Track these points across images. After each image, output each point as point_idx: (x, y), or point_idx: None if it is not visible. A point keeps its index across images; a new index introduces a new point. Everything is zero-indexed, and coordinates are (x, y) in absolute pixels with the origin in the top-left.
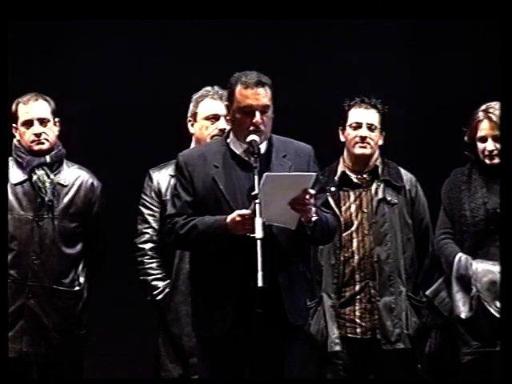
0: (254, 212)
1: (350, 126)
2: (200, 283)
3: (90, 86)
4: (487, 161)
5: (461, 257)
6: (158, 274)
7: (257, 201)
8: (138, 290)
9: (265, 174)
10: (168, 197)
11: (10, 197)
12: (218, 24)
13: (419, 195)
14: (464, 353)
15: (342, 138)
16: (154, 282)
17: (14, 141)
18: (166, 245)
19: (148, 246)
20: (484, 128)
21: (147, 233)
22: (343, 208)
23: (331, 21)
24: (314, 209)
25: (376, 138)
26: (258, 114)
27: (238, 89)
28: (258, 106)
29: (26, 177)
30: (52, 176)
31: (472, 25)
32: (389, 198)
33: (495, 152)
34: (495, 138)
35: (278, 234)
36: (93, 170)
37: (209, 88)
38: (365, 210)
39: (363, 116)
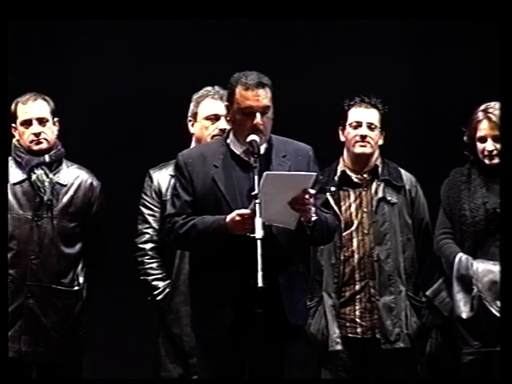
0: (253, 212)
1: (350, 125)
2: (200, 283)
3: (90, 86)
4: (487, 161)
5: (461, 257)
6: (158, 274)
7: (257, 201)
8: (138, 290)
9: (265, 173)
10: (168, 197)
11: (10, 196)
12: (218, 24)
13: (419, 195)
14: (465, 353)
15: (342, 138)
16: (154, 282)
17: (14, 140)
18: (166, 245)
19: (148, 246)
20: (483, 128)
21: (147, 233)
22: (343, 207)
23: (331, 21)
24: (313, 209)
25: (376, 137)
26: (258, 115)
27: (239, 90)
28: (259, 107)
29: (25, 176)
30: (51, 175)
31: (472, 25)
32: (389, 198)
33: (495, 152)
34: (495, 138)
35: (277, 234)
36: (93, 170)
37: (209, 88)
38: (365, 210)
39: (363, 115)
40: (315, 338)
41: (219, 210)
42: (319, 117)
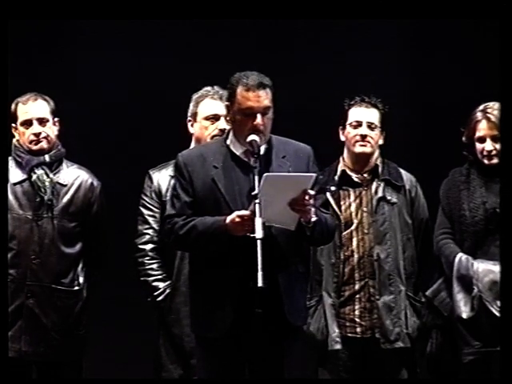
0: (253, 212)
1: (351, 124)
2: (200, 284)
3: (90, 86)
4: (486, 161)
5: (461, 257)
6: (158, 275)
7: (257, 201)
8: (138, 291)
9: (265, 175)
10: (168, 197)
11: (10, 196)
12: (218, 24)
13: (419, 195)
14: (465, 353)
15: (342, 138)
16: (154, 283)
17: (14, 140)
18: (166, 245)
19: (148, 246)
20: (482, 128)
21: (148, 233)
22: (343, 207)
23: (331, 21)
24: (313, 209)
25: (376, 136)
26: (259, 116)
27: (239, 90)
28: (259, 108)
29: (25, 176)
30: (51, 175)
31: (472, 25)
32: (388, 197)
33: (494, 152)
34: (494, 138)
35: (277, 235)
36: (93, 170)
37: (209, 88)
38: (365, 209)
39: (363, 115)
40: (315, 337)
41: (219, 210)
42: (319, 117)
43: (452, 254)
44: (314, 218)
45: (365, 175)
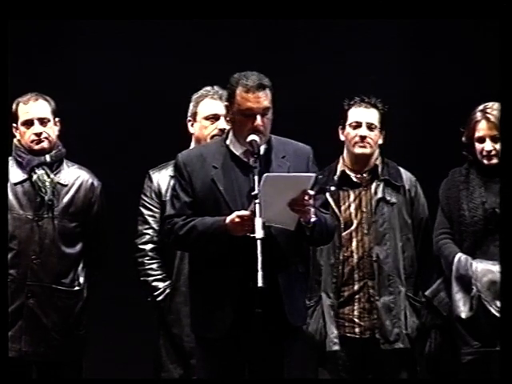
0: (253, 212)
1: (350, 125)
2: (199, 284)
3: (90, 86)
4: (485, 161)
5: (460, 257)
6: (158, 275)
7: (257, 201)
8: (138, 291)
9: (264, 175)
10: (168, 197)
11: (10, 196)
12: (218, 24)
13: (419, 195)
14: (464, 353)
15: (342, 137)
16: (154, 283)
17: (14, 140)
18: (166, 245)
19: (148, 246)
20: (482, 128)
21: (147, 234)
22: (343, 207)
23: (331, 21)
24: (312, 210)
25: (376, 137)
26: (258, 117)
27: (239, 91)
28: (259, 109)
29: (25, 176)
30: (52, 176)
31: (472, 25)
32: (388, 198)
33: (493, 152)
34: (493, 139)
35: (277, 235)
36: (93, 170)
37: (208, 88)
38: (364, 210)
39: (363, 115)
40: (313, 337)
41: (219, 210)
42: (319, 117)
43: (451, 253)
44: (313, 218)
45: (364, 175)
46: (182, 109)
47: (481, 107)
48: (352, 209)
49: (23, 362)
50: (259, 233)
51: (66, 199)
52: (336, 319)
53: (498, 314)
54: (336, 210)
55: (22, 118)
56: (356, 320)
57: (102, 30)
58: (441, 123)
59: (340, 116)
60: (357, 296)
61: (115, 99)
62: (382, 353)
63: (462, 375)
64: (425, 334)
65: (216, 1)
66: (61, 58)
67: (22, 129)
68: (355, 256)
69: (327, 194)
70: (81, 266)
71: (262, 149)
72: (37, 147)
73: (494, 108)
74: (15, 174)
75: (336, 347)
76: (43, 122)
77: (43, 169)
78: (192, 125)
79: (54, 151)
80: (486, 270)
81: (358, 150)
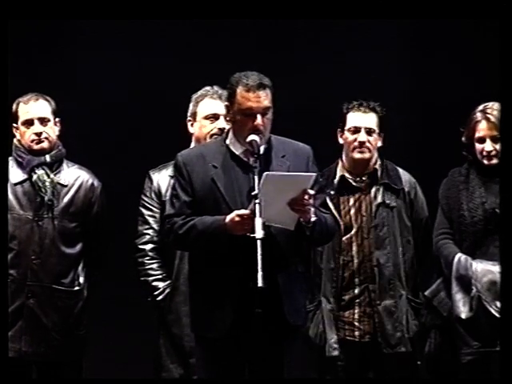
0: (252, 212)
1: (349, 130)
2: (199, 283)
3: (90, 86)
4: (485, 161)
5: (460, 257)
6: (158, 275)
7: (257, 201)
8: (139, 291)
9: (265, 174)
10: (168, 197)
11: (10, 196)
12: (218, 24)
13: (418, 196)
14: (464, 353)
15: (341, 141)
16: (154, 283)
17: (14, 140)
18: (166, 245)
19: (148, 246)
20: (482, 129)
21: (148, 234)
22: (342, 212)
23: (331, 21)
24: (312, 209)
25: (375, 141)
26: (259, 116)
27: (239, 91)
28: (259, 108)
29: (25, 176)
30: (52, 176)
31: (472, 25)
32: (388, 202)
33: (493, 152)
34: (493, 139)
35: (277, 235)
36: (93, 170)
37: (208, 88)
38: (364, 214)
39: (362, 120)
40: (313, 342)
41: (218, 210)
42: (319, 117)
43: (451, 254)
44: (313, 218)
45: (364, 178)
46: (182, 109)
47: (481, 107)
48: (352, 213)
49: (23, 362)
50: (259, 233)
51: (66, 199)
52: (336, 322)
53: (497, 315)
54: (336, 215)
55: (23, 117)
56: (356, 323)
57: (102, 29)
58: (441, 123)
59: (339, 119)
60: (357, 300)
61: (115, 99)
62: (382, 356)
63: (462, 375)
64: (425, 335)
65: (216, 1)
66: (61, 58)
67: (22, 128)
68: (355, 260)
69: (327, 199)
70: (81, 266)
71: (262, 148)
72: (37, 147)
73: (494, 108)
74: (15, 174)
75: (335, 353)
76: (43, 121)
77: (43, 169)
78: (192, 124)
79: (54, 151)
80: (486, 270)
81: (357, 156)
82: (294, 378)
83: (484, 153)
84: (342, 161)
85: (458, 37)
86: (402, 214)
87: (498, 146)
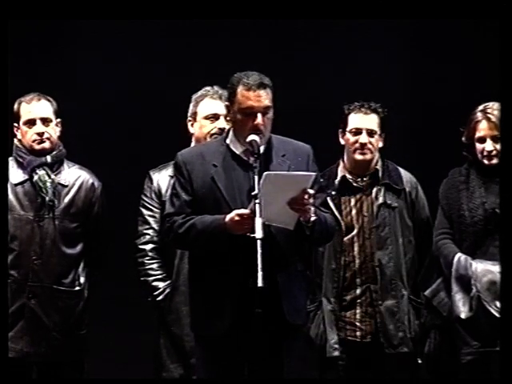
0: (252, 212)
1: (350, 131)
2: (199, 283)
3: (90, 86)
4: (486, 161)
5: (460, 257)
6: (158, 275)
7: (256, 201)
8: (139, 291)
9: (265, 173)
10: (168, 197)
11: (11, 197)
12: (218, 24)
13: (419, 196)
14: (464, 353)
15: (342, 141)
16: (154, 283)
17: (15, 141)
18: (166, 245)
19: (148, 246)
20: (482, 128)
21: (148, 234)
22: (344, 212)
23: (331, 21)
24: (312, 209)
25: (376, 142)
26: (259, 115)
27: (240, 90)
28: (260, 107)
29: (26, 177)
30: (53, 176)
31: (472, 25)
32: (389, 202)
33: (494, 152)
34: (494, 139)
35: (276, 234)
36: (93, 170)
37: (208, 88)
38: (365, 214)
39: (363, 122)
40: (314, 342)
41: (218, 209)
42: (319, 117)
43: (451, 254)
44: (313, 218)
45: (365, 179)
46: (182, 109)
47: (481, 107)
48: (353, 213)
49: (24, 363)
50: (259, 233)
51: (66, 200)
52: (337, 322)
53: (497, 315)
54: (337, 215)
55: (25, 117)
56: (357, 324)
57: (101, 29)
58: (441, 123)
59: (340, 120)
60: (359, 300)
61: (115, 99)
62: (384, 356)
63: (462, 375)
64: (424, 334)
65: (216, 1)
66: (61, 58)
67: (24, 128)
68: (357, 261)
69: (328, 199)
70: (81, 266)
71: (262, 148)
72: (38, 147)
73: (494, 108)
74: (16, 175)
75: (336, 353)
76: (45, 121)
77: (44, 169)
78: (192, 125)
79: (54, 152)
80: (486, 270)
81: (358, 157)
82: (294, 378)
83: (484, 153)
84: (343, 161)
85: (458, 37)
86: (403, 214)
87: (498, 146)
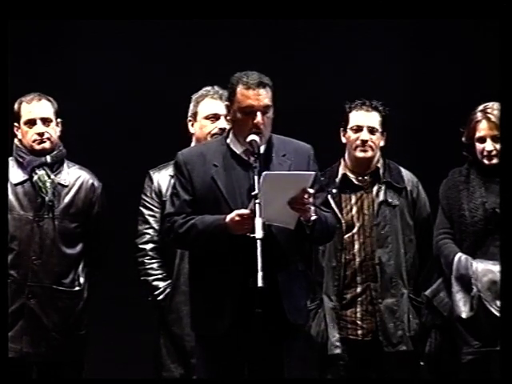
0: (253, 212)
1: (351, 128)
2: (199, 283)
3: (90, 86)
4: (486, 161)
5: (460, 257)
6: (158, 275)
7: (257, 201)
8: (139, 291)
9: (264, 173)
10: (168, 196)
11: (11, 197)
12: (218, 24)
13: (421, 196)
14: (465, 352)
15: (344, 140)
16: (154, 283)
17: (15, 141)
18: (166, 245)
19: (149, 246)
20: (483, 128)
21: (148, 233)
22: (344, 210)
23: (331, 21)
24: (313, 208)
25: (377, 140)
26: (259, 114)
27: (240, 89)
28: (259, 106)
29: (26, 177)
30: (52, 176)
31: (472, 25)
32: (390, 200)
33: (494, 152)
34: (494, 139)
35: (277, 234)
36: (93, 170)
37: (209, 88)
38: (366, 212)
39: (364, 119)
40: (315, 340)
41: (219, 209)
42: (319, 117)
43: (451, 253)
44: (313, 217)
45: (366, 178)
46: (182, 109)
47: (481, 107)
48: (354, 211)
49: (24, 363)
50: (259, 233)
51: (66, 200)
52: (338, 321)
53: (498, 314)
54: (338, 213)
55: (25, 117)
56: (358, 322)
57: (102, 29)
58: (441, 123)
59: (341, 118)
60: (359, 298)
61: (115, 99)
62: (384, 355)
63: (462, 375)
64: (425, 334)
65: (216, 1)
66: (61, 58)
67: (24, 128)
68: (357, 259)
69: (329, 197)
70: (81, 266)
71: (263, 148)
72: (38, 147)
73: (494, 108)
74: (16, 175)
75: (337, 350)
76: (46, 121)
77: (44, 169)
78: (192, 125)
79: (54, 152)
80: (486, 269)
81: (359, 154)
82: (294, 378)
83: (484, 152)
84: (344, 160)
85: (458, 37)
86: (404, 213)
87: (498, 146)
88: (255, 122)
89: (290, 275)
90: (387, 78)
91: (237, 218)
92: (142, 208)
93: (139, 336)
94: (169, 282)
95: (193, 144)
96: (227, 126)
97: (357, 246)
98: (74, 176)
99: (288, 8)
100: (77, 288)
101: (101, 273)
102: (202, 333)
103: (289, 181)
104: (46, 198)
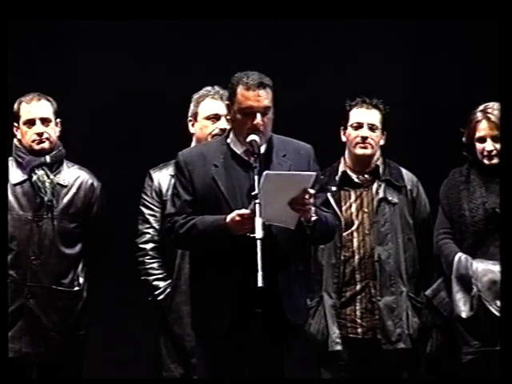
0: (253, 212)
1: (352, 126)
2: (200, 283)
3: (90, 86)
4: (486, 161)
5: (461, 256)
6: (159, 274)
7: (257, 201)
8: (139, 290)
9: (265, 172)
10: (169, 196)
11: (10, 197)
12: (218, 24)
13: (421, 195)
14: (465, 352)
15: (344, 138)
16: (155, 282)
17: (15, 141)
18: (167, 245)
19: (149, 246)
20: (483, 128)
21: (148, 233)
22: (344, 207)
23: (331, 21)
24: (313, 208)
25: (377, 138)
26: (258, 115)
27: (240, 90)
28: (259, 107)
29: (25, 177)
30: (52, 176)
31: (472, 25)
32: (389, 198)
33: (494, 152)
34: (494, 138)
35: (277, 234)
36: (93, 170)
37: (209, 88)
38: (365, 210)
39: (364, 116)
40: (315, 338)
41: (219, 209)
42: (319, 117)
43: (451, 253)
44: (314, 217)
45: (366, 176)
46: (182, 109)
47: (481, 107)
48: (353, 209)
49: (23, 363)
50: (259, 233)
51: (65, 200)
52: (338, 320)
53: (498, 314)
54: (337, 211)
55: (24, 117)
56: (358, 320)
57: (102, 29)
58: (441, 123)
59: (341, 117)
60: (359, 296)
61: (115, 99)
62: (383, 353)
63: (463, 375)
64: (425, 334)
65: (216, 1)
66: (61, 58)
67: (24, 128)
68: (356, 256)
69: (328, 195)
70: (80, 266)
71: (263, 148)
72: (37, 147)
73: (494, 108)
74: (15, 175)
75: (338, 347)
76: (45, 121)
77: (43, 169)
78: (193, 125)
79: (54, 152)
80: (487, 269)
81: (359, 151)
82: (294, 378)
83: (485, 152)
84: (344, 158)
85: (458, 37)
86: (403, 212)
87: (498, 146)
88: (254, 123)
89: (290, 275)
90: (387, 78)
91: (237, 218)
92: (142, 207)
93: (139, 336)
94: (169, 281)
95: (193, 144)
96: (228, 127)
97: (356, 244)
98: (73, 176)
99: (288, 8)
100: (76, 288)
101: (100, 273)
102: (202, 333)
103: (289, 181)
104: (45, 198)
